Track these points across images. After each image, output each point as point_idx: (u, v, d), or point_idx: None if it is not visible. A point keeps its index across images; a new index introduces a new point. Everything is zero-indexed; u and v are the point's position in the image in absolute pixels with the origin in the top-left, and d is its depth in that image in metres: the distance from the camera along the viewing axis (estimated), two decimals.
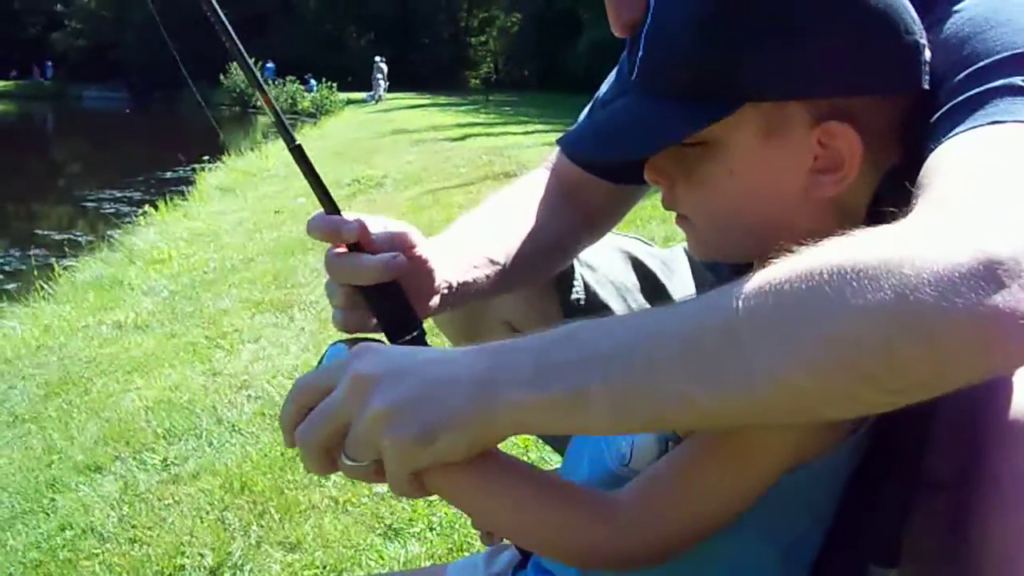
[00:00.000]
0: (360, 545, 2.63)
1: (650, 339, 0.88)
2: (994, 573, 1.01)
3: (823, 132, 1.04)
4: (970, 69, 1.04)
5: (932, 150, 0.99)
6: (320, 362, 1.22)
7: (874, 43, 1.03)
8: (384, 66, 37.39)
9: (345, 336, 1.25)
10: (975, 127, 0.98)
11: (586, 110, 1.75)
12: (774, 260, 0.87)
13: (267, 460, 3.30)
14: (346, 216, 1.22)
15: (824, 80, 1.03)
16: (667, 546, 0.99)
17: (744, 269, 1.21)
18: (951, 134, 0.99)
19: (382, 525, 2.72)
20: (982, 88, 1.02)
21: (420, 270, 1.30)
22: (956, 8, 1.12)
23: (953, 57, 1.07)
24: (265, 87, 1.23)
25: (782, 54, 1.02)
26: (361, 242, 1.22)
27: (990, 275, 0.76)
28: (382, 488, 2.93)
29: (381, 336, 1.24)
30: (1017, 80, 1.00)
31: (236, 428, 3.69)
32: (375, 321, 1.26)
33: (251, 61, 1.22)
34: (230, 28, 1.17)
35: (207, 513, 3.00)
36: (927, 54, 1.07)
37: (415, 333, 1.24)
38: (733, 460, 0.98)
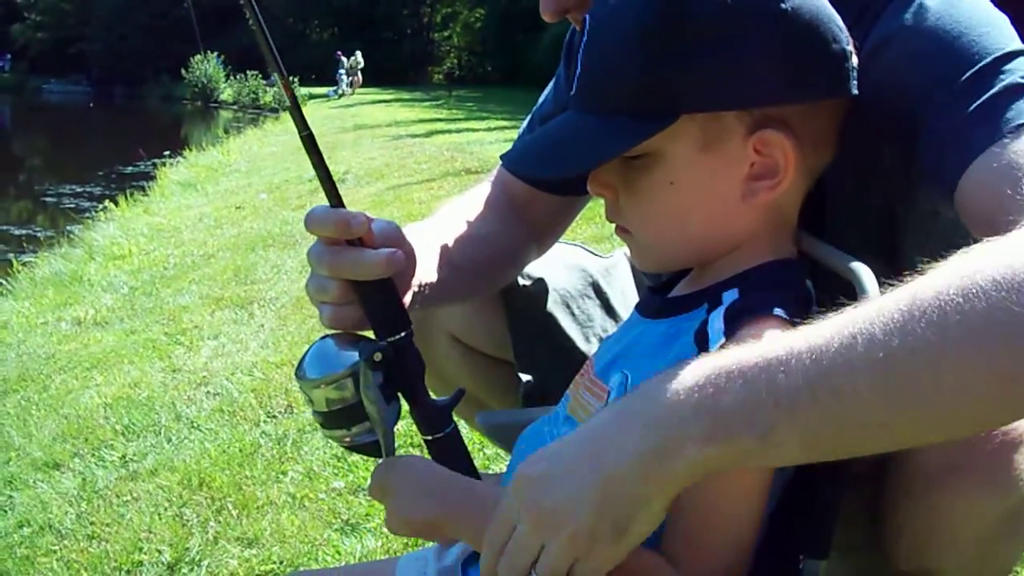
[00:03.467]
0: (317, 540, 2.65)
1: (833, 371, 0.87)
2: (906, 560, 1.05)
3: (759, 140, 1.08)
4: (964, 77, 1.08)
5: (956, 168, 1.04)
6: (303, 359, 1.20)
7: (804, 53, 1.07)
8: (346, 60, 37.13)
9: (331, 332, 1.23)
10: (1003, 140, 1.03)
11: (525, 122, 1.77)
12: (916, 274, 0.88)
13: (225, 456, 3.31)
14: (351, 211, 1.19)
15: (757, 91, 1.07)
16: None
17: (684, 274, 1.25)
18: (987, 150, 1.03)
19: (339, 520, 2.73)
20: (986, 96, 1.06)
21: (407, 267, 1.29)
22: (896, 27, 1.16)
23: (926, 74, 1.11)
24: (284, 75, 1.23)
25: (716, 67, 1.05)
26: (364, 237, 1.19)
27: None
28: (339, 484, 2.95)
29: (368, 332, 1.22)
30: (1017, 77, 1.05)
31: (195, 425, 3.69)
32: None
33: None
34: (261, 20, 1.20)
35: (165, 509, 3.01)
36: (855, 60, 1.11)
37: (403, 333, 1.21)
38: (739, 484, 1.02)
